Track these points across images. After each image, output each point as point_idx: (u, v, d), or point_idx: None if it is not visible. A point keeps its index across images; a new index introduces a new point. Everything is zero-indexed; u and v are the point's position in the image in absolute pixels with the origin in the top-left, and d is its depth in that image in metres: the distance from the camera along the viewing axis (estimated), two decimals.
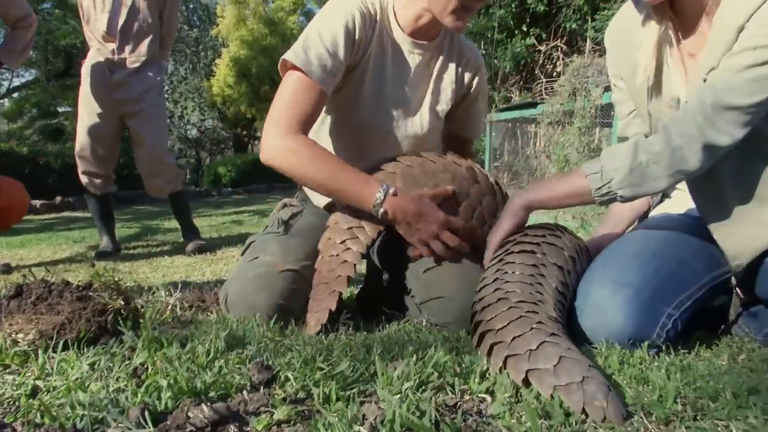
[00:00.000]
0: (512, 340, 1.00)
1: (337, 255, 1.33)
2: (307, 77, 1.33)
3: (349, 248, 1.34)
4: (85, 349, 1.03)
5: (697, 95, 1.14)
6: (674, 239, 1.30)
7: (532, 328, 1.01)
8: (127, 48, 3.29)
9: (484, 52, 7.78)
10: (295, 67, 1.35)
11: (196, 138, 18.28)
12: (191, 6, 17.95)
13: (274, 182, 11.85)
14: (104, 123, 3.26)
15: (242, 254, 1.51)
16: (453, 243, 1.34)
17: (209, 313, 1.47)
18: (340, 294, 1.29)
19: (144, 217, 6.20)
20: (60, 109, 16.19)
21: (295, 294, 1.35)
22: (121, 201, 7.78)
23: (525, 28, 7.39)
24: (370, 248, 1.47)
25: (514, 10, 7.30)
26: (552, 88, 4.36)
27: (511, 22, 7.36)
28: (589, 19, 6.32)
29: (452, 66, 1.56)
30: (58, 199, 7.21)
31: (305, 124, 1.33)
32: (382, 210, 1.30)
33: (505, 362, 0.98)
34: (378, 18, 1.47)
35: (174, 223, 3.82)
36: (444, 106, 1.57)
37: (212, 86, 15.29)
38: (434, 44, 1.53)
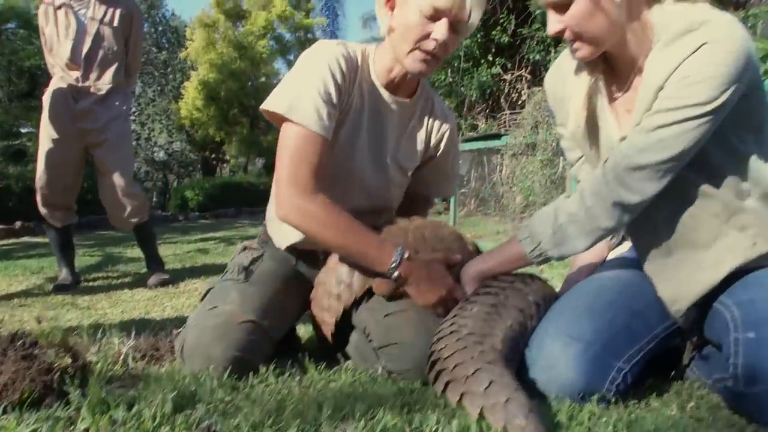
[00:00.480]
0: (454, 367, 1.08)
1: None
2: (307, 130, 1.34)
3: (330, 308, 1.42)
4: (27, 414, 1.00)
5: (612, 155, 1.22)
6: (629, 289, 1.34)
7: (472, 357, 1.08)
8: (92, 76, 3.24)
9: (450, 79, 7.89)
10: (290, 121, 1.35)
11: (164, 161, 18.09)
12: (160, 28, 17.89)
13: (242, 206, 11.77)
14: (67, 153, 3.19)
15: (201, 299, 1.49)
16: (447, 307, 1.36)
17: (163, 363, 1.44)
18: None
19: (107, 244, 6.10)
20: (23, 130, 15.90)
21: (254, 345, 1.33)
22: (84, 226, 7.62)
23: (490, 58, 7.53)
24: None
25: (479, 40, 7.43)
26: (516, 120, 4.43)
27: (477, 52, 7.49)
28: (552, 51, 6.46)
29: (424, 126, 1.59)
30: (18, 224, 7.03)
31: (317, 177, 1.35)
32: (396, 273, 1.32)
33: (461, 397, 1.04)
34: (359, 65, 1.48)
35: (137, 252, 3.76)
36: (411, 163, 1.59)
37: (180, 109, 15.21)
38: (411, 102, 1.55)
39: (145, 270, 3.51)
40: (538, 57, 6.82)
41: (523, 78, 7.41)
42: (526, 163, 3.94)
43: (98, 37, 3.24)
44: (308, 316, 1.59)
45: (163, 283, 3.25)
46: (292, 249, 1.56)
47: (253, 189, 12.68)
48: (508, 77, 7.53)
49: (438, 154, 1.63)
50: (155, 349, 1.51)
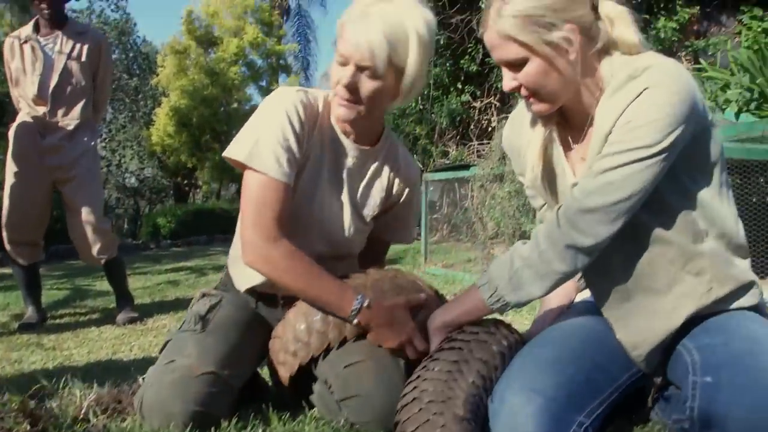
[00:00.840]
0: None
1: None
2: (267, 177, 1.37)
3: (286, 363, 1.42)
4: None
5: (565, 200, 1.25)
6: (592, 338, 1.34)
7: None
8: (60, 111, 3.21)
9: (421, 107, 7.97)
10: (251, 168, 1.38)
11: (135, 187, 17.90)
12: (131, 54, 17.80)
13: (215, 233, 11.67)
14: (34, 190, 3.15)
15: (160, 352, 1.47)
16: (421, 347, 1.38)
17: (125, 417, 1.43)
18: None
19: (76, 275, 6.01)
20: None
21: (214, 398, 1.32)
22: (53, 256, 7.50)
23: (460, 86, 7.64)
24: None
25: (448, 68, 7.54)
26: (485, 150, 4.50)
27: (447, 80, 7.59)
28: None
29: (385, 174, 1.60)
30: None
31: (280, 223, 1.38)
32: (356, 321, 1.35)
33: None
34: (320, 111, 1.51)
35: (106, 285, 3.70)
36: (370, 211, 1.60)
37: (151, 135, 15.11)
38: (372, 150, 1.57)
39: (113, 305, 3.47)
40: None
41: (493, 105, 7.52)
42: (495, 192, 3.99)
43: (66, 72, 3.22)
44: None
45: (132, 321, 3.22)
46: (252, 291, 1.57)
47: (226, 215, 12.53)
48: (477, 104, 7.63)
49: (400, 201, 1.66)
50: (117, 401, 1.49)
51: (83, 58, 3.26)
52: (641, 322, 1.27)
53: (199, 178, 17.08)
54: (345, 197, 1.56)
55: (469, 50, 7.36)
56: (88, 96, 3.31)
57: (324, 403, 1.45)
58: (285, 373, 1.44)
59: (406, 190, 1.65)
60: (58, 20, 3.25)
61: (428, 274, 4.61)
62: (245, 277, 1.54)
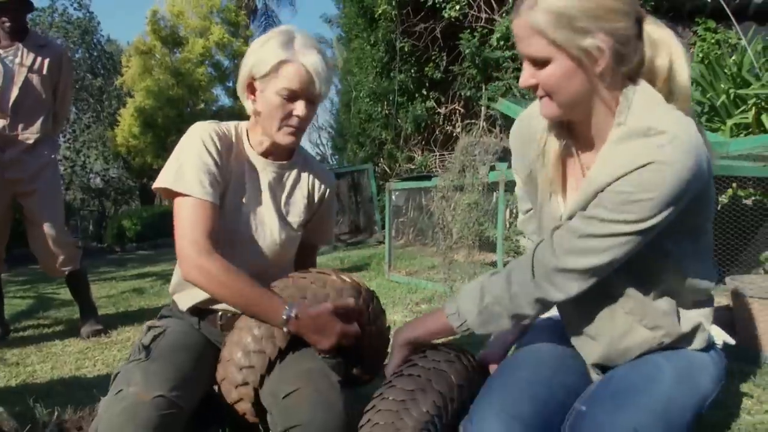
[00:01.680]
0: None
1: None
2: (194, 198, 1.48)
3: (243, 397, 1.49)
4: None
5: (540, 249, 1.25)
6: (562, 362, 1.37)
7: None
8: (20, 125, 3.18)
9: (387, 112, 8.04)
10: (179, 194, 1.49)
11: (100, 188, 17.65)
12: (95, 54, 17.54)
13: None
14: None
15: (110, 385, 1.48)
16: (349, 343, 1.50)
17: None
18: None
19: (39, 281, 5.97)
20: None
21: (166, 420, 1.34)
22: (18, 259, 7.39)
23: (425, 92, 7.72)
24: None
25: (413, 75, 7.61)
26: (449, 158, 4.59)
27: (412, 86, 7.66)
28: (483, 88, 6.67)
29: (304, 182, 1.75)
30: None
31: (212, 239, 1.48)
32: (286, 330, 1.45)
33: None
34: (234, 140, 1.65)
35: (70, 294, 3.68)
36: (297, 218, 1.74)
37: (116, 136, 14.93)
38: (288, 164, 1.72)
39: (77, 315, 3.46)
40: (469, 93, 7.03)
41: (457, 111, 7.62)
42: (456, 201, 4.07)
43: (26, 85, 3.20)
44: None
45: (96, 333, 3.21)
46: (194, 310, 1.65)
47: None
48: (442, 111, 7.72)
49: (321, 207, 1.81)
50: (78, 428, 1.51)
51: (44, 71, 3.25)
52: (604, 354, 1.33)
53: None
54: (271, 210, 1.68)
55: (434, 58, 7.44)
56: (49, 109, 3.30)
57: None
58: (247, 406, 1.49)
59: (327, 192, 1.80)
60: (19, 32, 3.23)
61: (392, 282, 4.69)
62: (188, 297, 1.64)
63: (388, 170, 8.47)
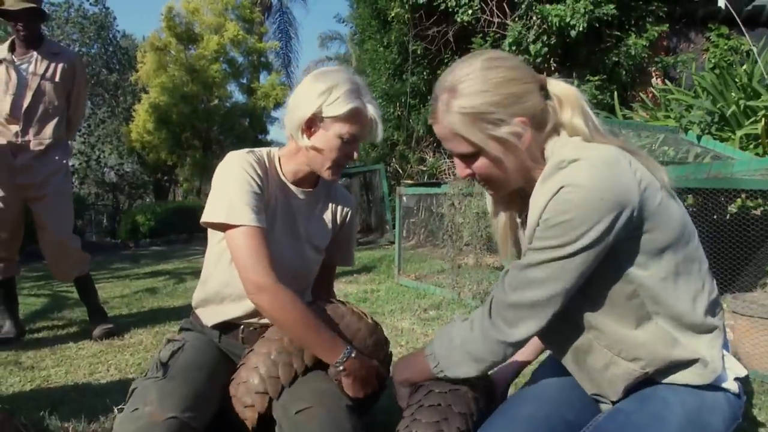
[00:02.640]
0: None
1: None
2: (249, 227, 1.55)
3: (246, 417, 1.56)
4: None
5: (496, 285, 1.28)
6: (568, 397, 1.36)
7: None
8: (32, 131, 3.24)
9: (399, 113, 8.07)
10: (233, 226, 1.55)
11: (114, 182, 17.82)
12: (110, 50, 17.69)
13: (196, 231, 11.65)
14: (6, 208, 3.18)
15: (127, 399, 1.53)
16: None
17: None
18: None
19: (52, 278, 6.05)
20: None
21: None
22: (32, 255, 7.51)
23: None
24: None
25: (425, 77, 7.64)
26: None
27: (424, 89, 7.69)
28: None
29: (330, 209, 1.85)
30: None
31: (273, 265, 1.55)
32: (341, 368, 1.54)
33: None
34: (267, 166, 1.70)
35: None
36: (323, 242, 1.83)
37: (131, 132, 15.05)
38: (315, 191, 1.81)
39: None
40: None
41: None
42: (465, 209, 4.10)
43: (39, 92, 3.26)
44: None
45: (108, 334, 3.28)
46: (218, 325, 1.73)
47: None
48: None
49: (343, 229, 1.90)
50: None
51: (57, 79, 3.31)
52: (596, 385, 1.31)
53: (179, 175, 17.04)
54: (300, 234, 1.77)
55: (446, 60, 7.47)
56: (61, 115, 3.35)
57: None
58: (250, 422, 1.56)
59: (348, 215, 1.90)
60: (34, 40, 3.29)
61: (401, 286, 4.74)
62: (214, 314, 1.73)
63: (400, 171, 8.50)
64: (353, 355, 1.56)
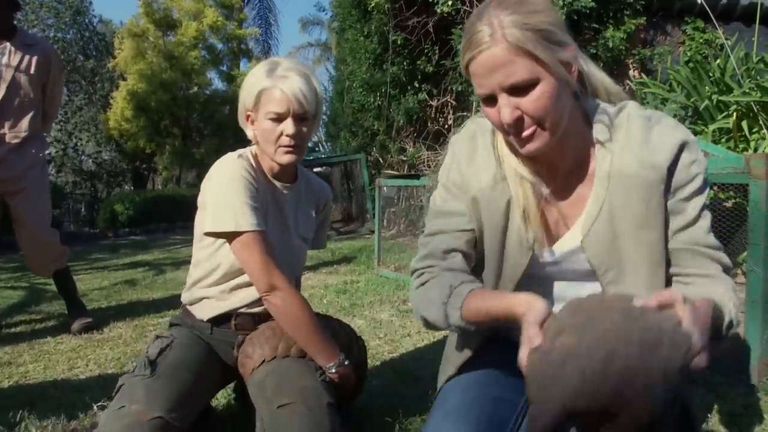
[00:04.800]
0: None
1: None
2: (257, 232, 1.62)
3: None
4: None
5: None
6: (488, 378, 1.34)
7: None
8: (7, 124, 3.19)
9: (380, 103, 8.08)
10: (241, 233, 1.61)
11: (92, 170, 17.61)
12: (87, 35, 17.42)
13: (175, 220, 11.58)
14: None
15: (114, 394, 1.55)
16: None
17: None
18: None
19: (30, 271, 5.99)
20: None
21: None
22: (8, 247, 7.45)
23: (417, 85, 7.77)
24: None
25: (406, 68, 7.65)
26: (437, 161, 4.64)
27: (404, 78, 7.70)
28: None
29: (310, 198, 1.93)
30: None
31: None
32: (333, 371, 1.64)
33: None
34: (254, 166, 1.75)
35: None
36: (308, 233, 1.93)
37: (109, 119, 14.87)
38: (295, 184, 1.86)
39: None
40: (460, 87, 7.08)
41: (449, 104, 7.67)
42: None
43: (14, 85, 3.20)
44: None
45: (87, 328, 3.27)
46: (211, 318, 1.77)
47: (185, 202, 12.23)
48: (434, 103, 7.77)
49: (320, 217, 2.00)
50: None
51: (32, 71, 3.25)
52: None
53: (158, 163, 16.90)
54: (291, 229, 1.84)
55: (426, 51, 7.48)
56: (37, 108, 3.30)
57: None
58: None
59: (326, 204, 2.01)
60: (7, 31, 3.23)
61: (381, 277, 4.77)
62: (208, 309, 1.78)
63: (380, 160, 8.52)
64: (346, 362, 1.67)
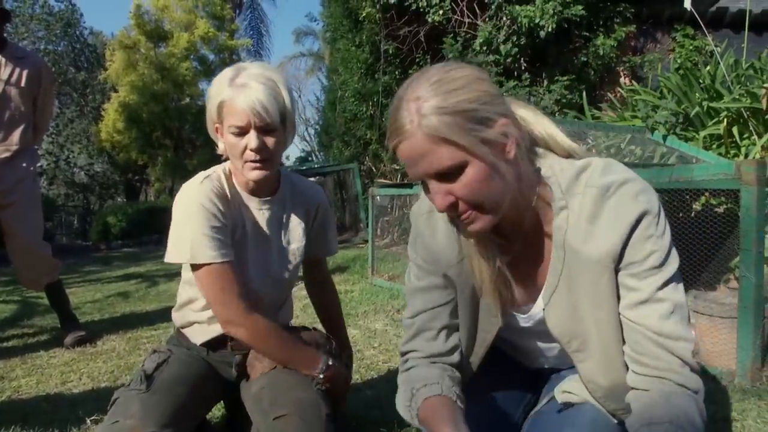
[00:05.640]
0: None
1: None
2: (215, 265, 1.55)
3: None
4: None
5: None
6: (484, 387, 1.39)
7: None
8: None
9: (372, 112, 8.09)
10: (198, 265, 1.56)
11: (84, 183, 17.56)
12: (78, 47, 17.41)
13: (167, 232, 11.50)
14: None
15: (108, 408, 1.54)
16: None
17: None
18: None
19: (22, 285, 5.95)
20: None
21: None
22: (0, 260, 7.38)
23: None
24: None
25: (397, 77, 7.67)
26: None
27: (396, 88, 7.70)
28: None
29: (298, 207, 1.80)
30: None
31: (244, 297, 1.59)
32: (321, 376, 1.62)
33: None
34: (227, 190, 1.66)
35: None
36: (298, 244, 1.80)
37: (100, 131, 14.84)
38: (277, 196, 1.75)
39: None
40: None
41: None
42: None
43: (4, 98, 3.17)
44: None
45: (80, 341, 3.24)
46: (207, 344, 1.75)
47: None
48: None
49: (316, 223, 1.86)
50: None
51: (22, 84, 3.22)
52: None
53: (150, 174, 16.86)
54: (274, 245, 1.75)
55: (418, 60, 7.51)
56: (28, 121, 3.27)
57: None
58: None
59: (318, 208, 1.85)
60: None
61: (375, 287, 4.77)
62: (201, 333, 1.74)
63: (373, 169, 8.53)
64: (330, 363, 1.64)
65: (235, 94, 1.50)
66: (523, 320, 1.26)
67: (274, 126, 1.53)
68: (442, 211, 1.04)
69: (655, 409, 1.05)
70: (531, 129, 1.13)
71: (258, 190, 1.71)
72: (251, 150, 1.53)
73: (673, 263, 1.07)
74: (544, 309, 1.18)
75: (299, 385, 1.58)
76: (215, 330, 1.70)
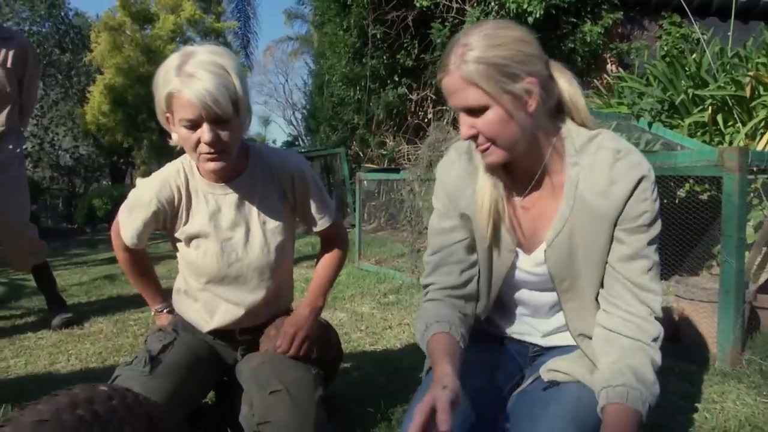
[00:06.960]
0: None
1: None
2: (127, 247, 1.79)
3: None
4: None
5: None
6: (469, 366, 1.36)
7: None
8: None
9: (359, 97, 8.08)
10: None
11: (69, 166, 17.39)
12: (62, 28, 17.15)
13: None
14: None
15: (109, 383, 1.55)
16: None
17: None
18: None
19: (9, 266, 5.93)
20: None
21: None
22: None
23: (396, 79, 7.77)
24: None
25: (385, 61, 7.65)
26: (416, 155, 4.67)
27: (383, 72, 7.71)
28: None
29: (270, 182, 1.70)
30: None
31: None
32: (154, 312, 1.93)
33: None
34: (186, 180, 1.67)
35: None
36: (279, 221, 1.71)
37: (86, 114, 14.69)
38: (246, 175, 1.68)
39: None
40: None
41: (429, 98, 7.70)
42: (425, 192, 4.17)
43: None
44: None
45: (68, 323, 3.27)
46: (214, 333, 1.77)
47: None
48: (414, 97, 7.79)
49: (296, 192, 1.74)
50: None
51: (8, 65, 3.22)
52: None
53: (136, 157, 16.71)
54: (251, 228, 1.69)
55: (405, 45, 7.49)
56: (14, 102, 3.27)
57: (247, 424, 1.59)
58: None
59: (294, 177, 1.72)
60: None
61: (362, 270, 4.80)
62: (203, 323, 1.76)
63: (360, 154, 8.53)
64: (166, 310, 1.90)
65: (183, 86, 1.41)
66: (526, 262, 1.39)
67: (227, 117, 1.45)
68: (466, 139, 1.26)
69: (616, 371, 1.21)
70: (562, 93, 1.30)
71: (222, 177, 1.65)
72: (205, 143, 1.46)
73: (658, 227, 1.28)
74: (545, 250, 1.34)
75: (298, 366, 1.62)
76: (218, 321, 1.73)
